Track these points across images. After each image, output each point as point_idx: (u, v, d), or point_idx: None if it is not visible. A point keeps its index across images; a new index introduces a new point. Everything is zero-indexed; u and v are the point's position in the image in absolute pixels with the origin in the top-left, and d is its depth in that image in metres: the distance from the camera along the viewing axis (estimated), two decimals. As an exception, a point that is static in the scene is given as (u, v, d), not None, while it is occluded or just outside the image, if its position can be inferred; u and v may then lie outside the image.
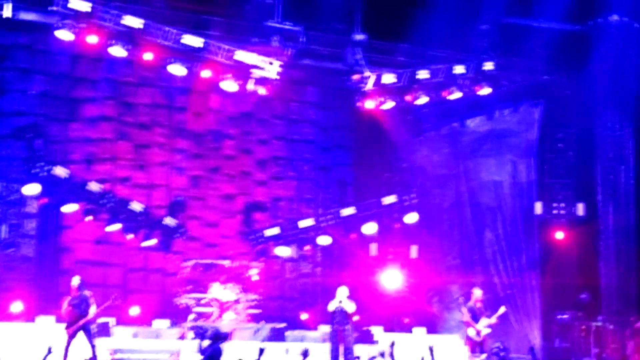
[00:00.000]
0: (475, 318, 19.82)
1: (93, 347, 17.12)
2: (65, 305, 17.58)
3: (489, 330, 19.81)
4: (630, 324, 21.94)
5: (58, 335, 17.29)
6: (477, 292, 20.21)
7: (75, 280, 17.85)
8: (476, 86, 23.78)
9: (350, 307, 18.58)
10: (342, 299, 18.57)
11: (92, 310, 17.68)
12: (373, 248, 25.85)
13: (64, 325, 17.69)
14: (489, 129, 25.74)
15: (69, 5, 20.79)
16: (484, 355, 19.19)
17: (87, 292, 17.83)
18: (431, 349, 12.99)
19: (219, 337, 17.77)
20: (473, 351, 19.71)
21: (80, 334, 17.47)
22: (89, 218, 23.25)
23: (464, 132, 26.19)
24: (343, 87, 24.19)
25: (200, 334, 18.26)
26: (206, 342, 13.00)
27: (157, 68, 22.78)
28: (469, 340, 19.76)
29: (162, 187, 25.28)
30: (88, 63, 24.01)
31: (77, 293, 17.70)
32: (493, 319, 19.85)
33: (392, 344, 18.71)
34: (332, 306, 18.64)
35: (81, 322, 17.44)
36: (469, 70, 23.60)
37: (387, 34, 23.93)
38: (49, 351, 13.20)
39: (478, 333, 19.72)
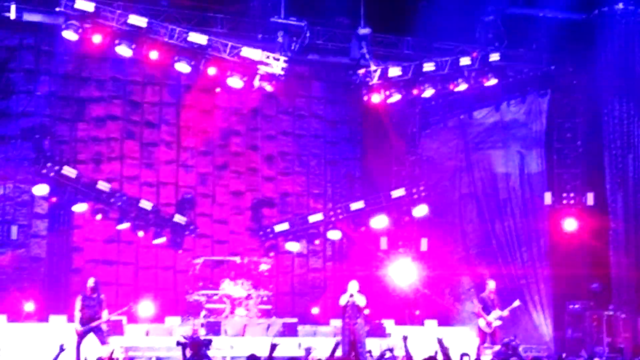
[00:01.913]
0: (487, 309, 19.85)
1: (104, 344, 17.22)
2: (78, 303, 17.66)
3: (499, 323, 19.85)
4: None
5: (69, 334, 17.36)
6: (491, 284, 20.27)
7: (91, 282, 17.94)
8: (482, 78, 23.72)
9: (361, 300, 18.61)
10: (353, 293, 18.61)
11: (105, 314, 17.77)
12: (383, 242, 25.84)
13: (74, 324, 17.78)
14: (496, 120, 25.71)
15: (75, 6, 20.84)
16: (497, 347, 19.21)
17: (102, 296, 17.94)
18: (440, 341, 12.97)
19: (200, 345, 17.93)
20: (483, 342, 19.75)
21: (91, 335, 17.58)
22: (99, 217, 23.31)
23: (471, 124, 26.16)
24: (349, 81, 24.18)
25: (183, 344, 18.46)
26: (188, 352, 13.03)
27: (163, 66, 22.83)
28: (479, 331, 19.80)
29: (170, 185, 25.32)
30: (94, 63, 24.07)
31: (91, 294, 17.78)
32: (505, 312, 19.89)
33: (405, 338, 18.72)
34: (343, 300, 18.67)
35: (93, 324, 17.52)
36: (475, 61, 23.55)
37: (391, 27, 23.92)
38: (61, 349, 13.22)
39: (489, 324, 19.75)
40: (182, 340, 13.46)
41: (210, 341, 17.04)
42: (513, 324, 23.07)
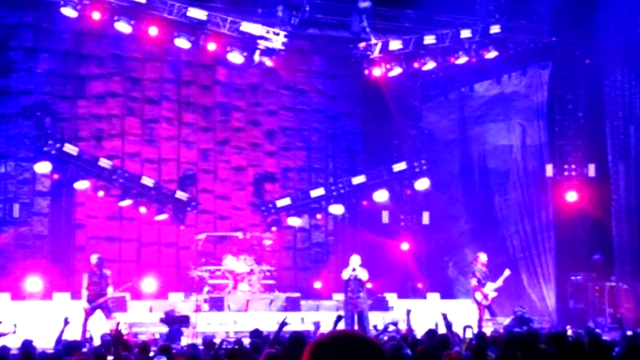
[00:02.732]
0: (481, 282, 19.94)
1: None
2: (85, 281, 17.74)
3: (495, 294, 19.96)
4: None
5: (74, 311, 17.43)
6: (482, 257, 20.34)
7: (94, 258, 18.01)
8: (483, 50, 23.66)
9: (363, 274, 18.69)
10: (355, 267, 18.68)
11: (110, 290, 17.87)
12: (385, 215, 25.89)
13: (80, 301, 17.87)
14: (498, 92, 25.66)
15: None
16: (508, 320, 19.32)
17: (107, 271, 18.03)
18: (445, 316, 13.03)
19: (174, 321, 18.10)
20: (482, 314, 19.85)
21: (98, 312, 17.67)
22: (101, 194, 23.33)
23: (472, 96, 26.12)
24: (349, 55, 24.13)
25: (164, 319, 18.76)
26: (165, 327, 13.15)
27: (163, 42, 22.77)
28: (478, 304, 19.90)
29: (172, 161, 25.33)
30: (93, 40, 24.01)
31: (96, 270, 17.86)
32: (499, 282, 19.98)
33: (409, 312, 18.82)
34: (345, 274, 18.76)
35: (101, 300, 17.61)
36: (476, 34, 23.47)
37: (392, 0, 23.83)
38: (66, 322, 13.27)
39: (485, 297, 19.84)
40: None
41: (187, 317, 17.22)
42: (517, 297, 23.18)
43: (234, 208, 25.85)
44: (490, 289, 19.85)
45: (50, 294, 20.98)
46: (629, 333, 14.79)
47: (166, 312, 19.32)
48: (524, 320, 18.88)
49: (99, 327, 17.24)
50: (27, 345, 12.22)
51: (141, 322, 20.01)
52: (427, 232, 26.15)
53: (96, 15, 21.25)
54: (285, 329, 11.31)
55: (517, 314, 19.39)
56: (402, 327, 18.21)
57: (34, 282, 21.58)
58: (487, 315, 19.85)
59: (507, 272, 20.15)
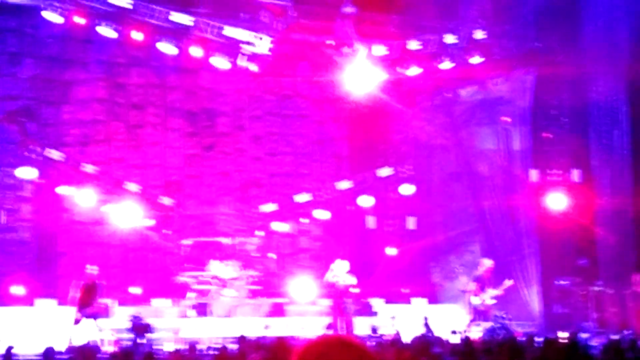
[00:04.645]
0: (482, 288, 19.97)
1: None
2: (77, 290, 17.78)
3: (494, 302, 20.00)
4: (629, 285, 22.03)
5: (58, 318, 17.38)
6: (487, 262, 20.39)
7: (94, 269, 18.14)
8: (468, 55, 23.70)
9: (350, 280, 18.69)
10: (340, 273, 18.67)
11: (103, 300, 17.99)
12: (371, 221, 25.88)
13: (67, 308, 17.85)
14: (482, 98, 25.70)
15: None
16: (489, 324, 19.34)
17: (103, 282, 18.15)
18: (426, 319, 13.08)
19: (140, 329, 18.09)
20: (474, 319, 19.87)
21: (85, 320, 17.71)
22: (85, 200, 23.22)
23: (457, 101, 26.15)
24: (334, 60, 24.09)
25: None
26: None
27: (147, 47, 22.70)
28: (473, 309, 19.92)
29: (157, 166, 25.25)
30: (78, 45, 23.91)
31: (92, 280, 17.95)
32: (499, 291, 20.02)
33: (393, 318, 18.89)
34: (328, 277, 18.75)
35: (90, 310, 17.66)
36: (460, 39, 23.50)
37: (376, 5, 23.82)
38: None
39: (483, 302, 19.87)
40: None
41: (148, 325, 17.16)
42: (504, 301, 23.20)
43: (220, 213, 25.79)
44: (491, 295, 19.88)
45: (32, 301, 20.86)
46: (614, 337, 14.85)
47: (132, 318, 19.06)
48: (503, 325, 18.91)
49: (84, 334, 17.20)
50: (49, 352, 12.24)
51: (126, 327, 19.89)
52: (412, 238, 26.14)
53: (80, 21, 21.17)
54: (270, 334, 11.29)
55: (497, 317, 19.43)
56: (386, 332, 18.23)
57: (17, 289, 21.46)
58: (478, 321, 19.87)
59: (508, 282, 20.23)
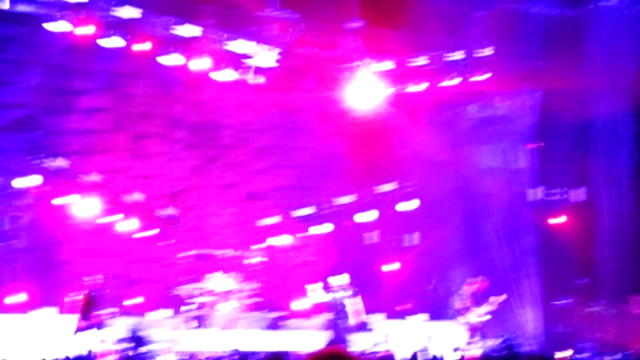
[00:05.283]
0: (478, 304, 20.03)
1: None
2: (81, 300, 17.84)
3: (489, 317, 20.04)
4: (630, 305, 22.05)
5: (61, 326, 17.42)
6: (481, 280, 20.43)
7: (98, 278, 18.18)
8: (472, 73, 23.76)
9: (349, 295, 18.70)
10: (340, 288, 18.69)
11: (107, 309, 18.00)
12: (373, 236, 25.89)
13: (70, 316, 17.90)
14: (486, 115, 25.77)
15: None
16: (491, 341, 19.41)
17: (107, 291, 18.20)
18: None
19: (139, 340, 18.14)
20: (473, 336, 19.90)
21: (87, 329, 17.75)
22: (89, 209, 23.27)
23: (461, 119, 26.20)
24: (340, 75, 24.17)
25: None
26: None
27: (153, 58, 22.78)
28: (470, 326, 19.96)
29: (161, 177, 25.30)
30: (84, 54, 23.96)
31: (95, 290, 18.01)
32: (493, 306, 20.07)
33: (387, 336, 18.91)
34: (328, 294, 18.77)
35: (94, 320, 17.70)
36: (466, 57, 23.57)
37: (382, 21, 23.91)
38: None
39: (470, 321, 19.93)
40: None
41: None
42: (505, 319, 23.21)
43: (222, 226, 25.81)
44: (485, 311, 19.93)
45: (33, 309, 20.89)
46: (614, 358, 14.89)
47: (132, 329, 19.10)
48: (508, 345, 18.95)
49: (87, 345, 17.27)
50: None
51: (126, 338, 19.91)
52: (415, 253, 26.14)
53: (87, 30, 21.26)
54: (266, 349, 11.31)
55: (503, 337, 19.49)
56: (382, 348, 18.25)
57: (20, 296, 21.51)
58: (477, 337, 19.91)
59: (502, 297, 20.29)
